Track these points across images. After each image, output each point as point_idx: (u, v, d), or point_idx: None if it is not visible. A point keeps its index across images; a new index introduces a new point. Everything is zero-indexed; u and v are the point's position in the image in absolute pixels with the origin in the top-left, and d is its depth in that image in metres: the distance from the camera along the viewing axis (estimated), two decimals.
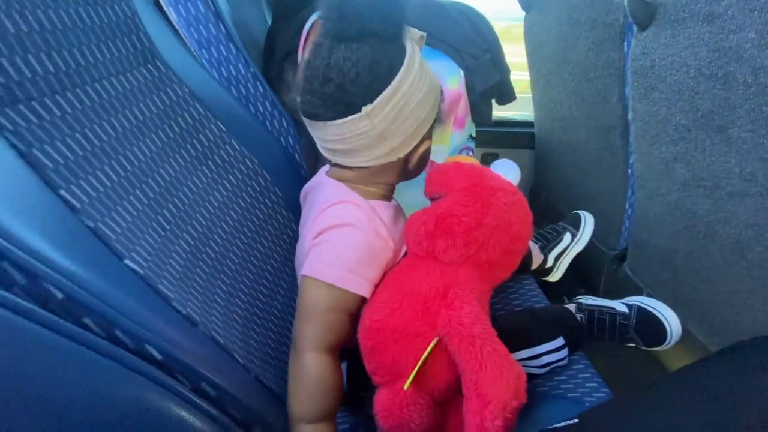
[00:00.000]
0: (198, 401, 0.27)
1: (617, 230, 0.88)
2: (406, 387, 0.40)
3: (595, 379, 0.56)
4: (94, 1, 0.42)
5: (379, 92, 0.40)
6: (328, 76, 0.40)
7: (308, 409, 0.41)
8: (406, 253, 0.48)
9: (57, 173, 0.30)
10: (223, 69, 0.68)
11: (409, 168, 0.47)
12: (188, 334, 0.32)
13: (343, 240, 0.43)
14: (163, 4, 0.63)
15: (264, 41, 0.85)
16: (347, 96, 0.40)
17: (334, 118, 0.41)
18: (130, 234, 0.34)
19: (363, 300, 0.45)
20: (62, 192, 0.29)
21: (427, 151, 0.48)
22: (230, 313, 0.44)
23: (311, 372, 0.41)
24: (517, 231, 0.45)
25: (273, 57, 0.79)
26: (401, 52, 0.42)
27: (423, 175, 0.50)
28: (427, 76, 0.44)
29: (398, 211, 0.51)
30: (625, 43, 0.68)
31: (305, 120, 0.45)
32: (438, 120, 0.48)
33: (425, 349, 0.41)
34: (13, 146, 0.28)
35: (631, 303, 0.60)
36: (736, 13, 0.44)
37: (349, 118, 0.40)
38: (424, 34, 0.46)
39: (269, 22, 0.89)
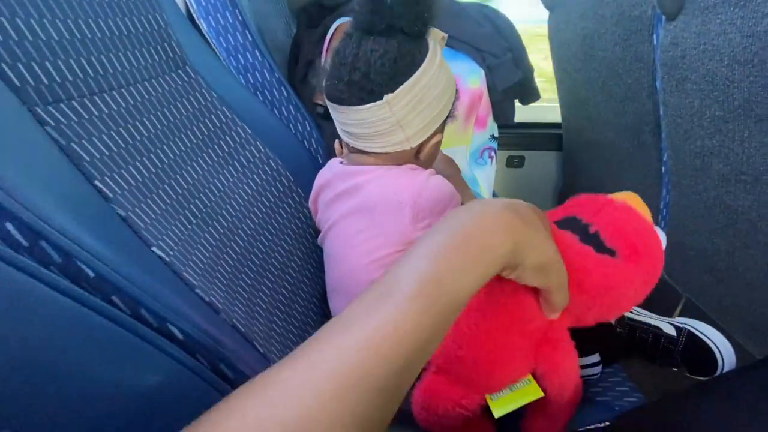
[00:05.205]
0: (217, 380, 0.28)
1: None
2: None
3: (627, 384, 0.53)
4: (130, 12, 0.45)
5: (401, 83, 0.42)
6: (355, 65, 0.42)
7: None
8: None
9: (93, 166, 0.32)
10: (249, 75, 0.71)
11: (420, 159, 0.48)
12: (210, 320, 0.33)
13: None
14: (194, 16, 0.67)
15: (289, 49, 0.88)
16: (371, 84, 0.42)
17: (358, 104, 0.43)
18: (159, 225, 0.36)
19: None
20: (97, 182, 0.31)
21: (437, 145, 0.49)
22: (253, 305, 0.45)
23: None
24: None
25: (297, 63, 0.82)
26: (424, 49, 0.44)
27: None
28: (445, 73, 0.46)
29: None
30: (654, 35, 0.66)
31: (329, 104, 0.47)
32: (450, 116, 0.49)
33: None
34: (54, 140, 0.30)
35: (681, 325, 0.53)
36: None
37: (372, 104, 0.42)
38: (446, 35, 0.47)
39: (294, 31, 0.92)
